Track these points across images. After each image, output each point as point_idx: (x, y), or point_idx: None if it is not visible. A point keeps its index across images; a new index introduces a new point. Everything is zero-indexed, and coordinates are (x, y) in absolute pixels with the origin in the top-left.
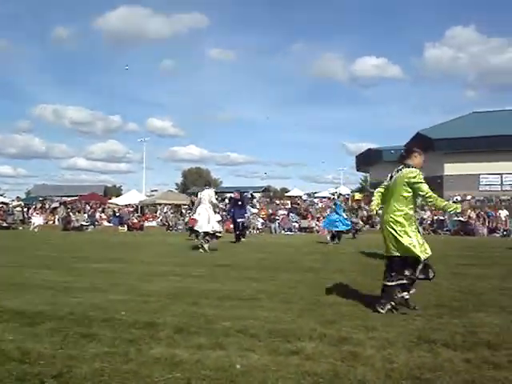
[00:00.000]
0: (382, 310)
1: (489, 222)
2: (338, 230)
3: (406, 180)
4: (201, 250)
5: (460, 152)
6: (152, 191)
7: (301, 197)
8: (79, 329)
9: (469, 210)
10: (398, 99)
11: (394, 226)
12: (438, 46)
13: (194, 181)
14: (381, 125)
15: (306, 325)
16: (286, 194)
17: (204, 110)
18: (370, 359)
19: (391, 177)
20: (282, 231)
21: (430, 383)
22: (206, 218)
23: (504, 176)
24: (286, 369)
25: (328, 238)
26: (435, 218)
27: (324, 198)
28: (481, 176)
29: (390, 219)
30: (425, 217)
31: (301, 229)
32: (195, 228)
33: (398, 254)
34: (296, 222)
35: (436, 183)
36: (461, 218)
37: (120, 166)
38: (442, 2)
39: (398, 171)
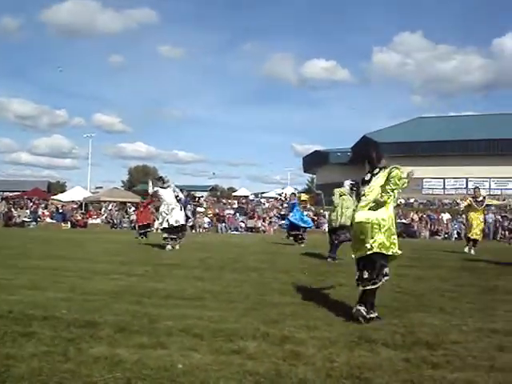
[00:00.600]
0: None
1: (431, 225)
2: (306, 226)
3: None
4: (169, 246)
5: (404, 156)
6: (97, 188)
7: (248, 197)
8: (18, 327)
9: (411, 214)
10: (345, 102)
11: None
12: (385, 50)
13: (140, 178)
14: (328, 127)
15: (249, 324)
16: (234, 194)
17: (153, 107)
18: (311, 358)
19: (365, 182)
20: (229, 231)
21: (369, 382)
22: (169, 214)
23: (446, 180)
24: (228, 368)
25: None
26: None
27: (271, 198)
28: (424, 180)
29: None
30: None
31: (247, 228)
32: (156, 226)
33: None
34: (242, 221)
35: None
36: (404, 221)
37: (65, 161)
38: (391, 8)
39: (374, 175)
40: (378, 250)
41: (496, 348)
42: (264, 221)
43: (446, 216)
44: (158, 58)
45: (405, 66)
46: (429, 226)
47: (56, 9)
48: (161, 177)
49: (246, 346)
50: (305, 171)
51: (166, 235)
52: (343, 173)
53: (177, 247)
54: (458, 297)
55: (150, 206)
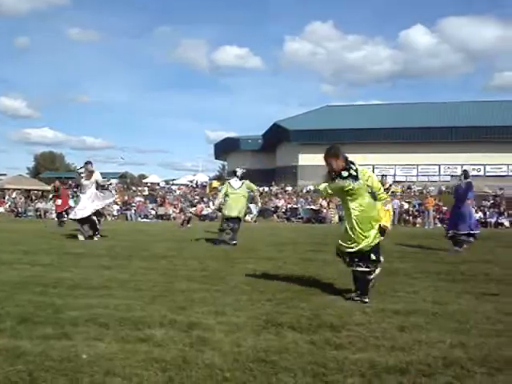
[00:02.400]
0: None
1: (340, 211)
2: None
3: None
4: (97, 237)
5: (314, 143)
6: (0, 175)
7: (158, 184)
8: None
9: (320, 200)
10: (257, 90)
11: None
12: (297, 40)
13: (47, 165)
14: (240, 114)
15: (156, 312)
16: (144, 181)
17: (61, 91)
18: (218, 343)
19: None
20: (139, 218)
21: (275, 365)
22: (88, 203)
23: None
24: (134, 356)
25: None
26: (289, 206)
27: (182, 185)
28: None
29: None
30: (279, 205)
31: (158, 216)
32: (71, 217)
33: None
34: (153, 209)
35: (291, 173)
36: (313, 207)
37: None
38: None
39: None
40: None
41: (397, 328)
42: (175, 208)
43: None
44: (67, 41)
45: (315, 55)
46: (338, 211)
47: None
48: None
49: (153, 333)
50: (216, 158)
51: (79, 226)
52: (254, 159)
53: (95, 238)
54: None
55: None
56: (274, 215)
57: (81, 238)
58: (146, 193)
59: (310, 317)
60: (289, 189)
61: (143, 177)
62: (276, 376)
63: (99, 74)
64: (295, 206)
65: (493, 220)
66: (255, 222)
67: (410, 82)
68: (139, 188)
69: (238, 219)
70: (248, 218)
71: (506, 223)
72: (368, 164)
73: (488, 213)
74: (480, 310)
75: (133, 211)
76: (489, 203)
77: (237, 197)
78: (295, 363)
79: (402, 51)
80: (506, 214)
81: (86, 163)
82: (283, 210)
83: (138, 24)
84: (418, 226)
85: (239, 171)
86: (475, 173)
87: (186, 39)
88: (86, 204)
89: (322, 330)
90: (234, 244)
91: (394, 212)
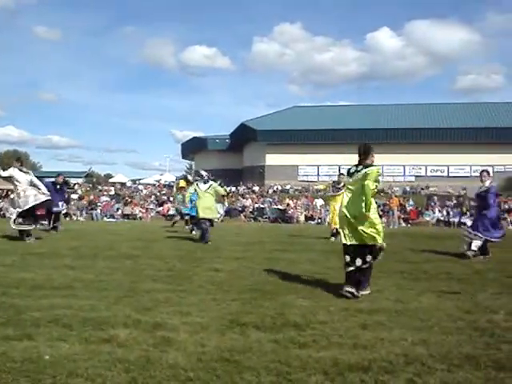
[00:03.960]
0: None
1: (306, 211)
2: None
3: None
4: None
5: (281, 143)
6: None
7: (125, 183)
8: None
9: (287, 200)
10: (225, 90)
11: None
12: (266, 40)
13: (11, 164)
14: (208, 114)
15: (121, 312)
16: (110, 180)
17: (27, 89)
18: (182, 344)
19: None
20: (104, 218)
21: (239, 364)
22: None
23: (320, 167)
24: (97, 357)
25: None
26: (256, 206)
27: (149, 184)
28: (299, 167)
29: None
30: (246, 205)
31: (124, 216)
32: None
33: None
34: (119, 208)
35: (258, 172)
36: (279, 207)
37: None
38: None
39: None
40: None
41: (360, 326)
42: (142, 208)
43: (319, 202)
44: (33, 39)
45: (284, 56)
46: (303, 211)
47: None
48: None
49: (117, 334)
50: (183, 157)
51: (20, 220)
52: (221, 159)
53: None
54: (326, 279)
55: None
56: (241, 215)
57: (30, 239)
58: (113, 192)
59: (274, 316)
60: (256, 189)
61: (109, 176)
62: (240, 375)
63: (66, 73)
64: (262, 206)
65: (456, 220)
66: (222, 221)
67: (376, 83)
68: (105, 187)
69: (209, 220)
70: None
71: (469, 223)
72: (334, 164)
73: (451, 213)
74: (441, 308)
75: (98, 211)
76: (452, 203)
77: (205, 198)
78: (259, 362)
79: (369, 53)
80: (468, 213)
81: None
82: (250, 210)
83: (105, 23)
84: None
85: (204, 174)
86: (439, 173)
87: (154, 38)
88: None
89: (286, 329)
90: (206, 243)
91: None
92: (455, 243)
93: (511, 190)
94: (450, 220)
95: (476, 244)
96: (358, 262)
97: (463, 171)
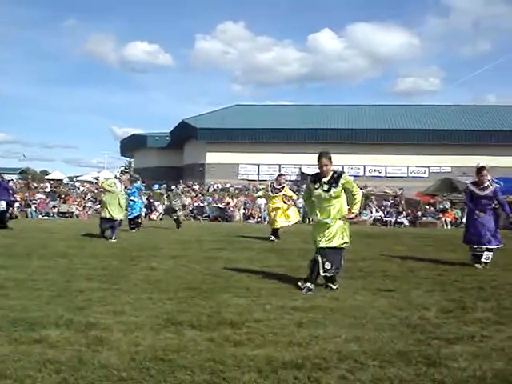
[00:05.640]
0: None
1: (245, 209)
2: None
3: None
4: None
5: (222, 142)
6: None
7: (62, 180)
8: None
9: (227, 198)
10: (167, 87)
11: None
12: (208, 39)
13: None
14: (149, 111)
15: (53, 312)
16: (46, 177)
17: None
18: (115, 343)
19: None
20: (40, 216)
21: (172, 363)
22: None
23: (261, 166)
24: (27, 358)
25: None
26: (195, 204)
27: (86, 182)
28: (240, 165)
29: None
30: (186, 203)
31: (60, 213)
32: None
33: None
34: (55, 206)
35: (198, 171)
36: (219, 205)
37: None
38: None
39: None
40: None
41: (296, 324)
42: (79, 205)
43: (262, 201)
44: None
45: (226, 55)
46: (243, 210)
47: None
48: None
49: (48, 334)
50: (122, 155)
51: None
52: (161, 157)
53: None
54: (264, 277)
55: None
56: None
57: None
58: (48, 189)
59: (210, 314)
60: (196, 187)
61: (46, 173)
62: (173, 374)
63: (4, 66)
64: (202, 204)
65: (392, 219)
66: (161, 220)
67: (318, 84)
68: (41, 184)
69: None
70: (153, 216)
71: (405, 222)
72: (275, 163)
73: (388, 212)
74: (376, 306)
75: (34, 208)
76: (389, 203)
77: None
78: (193, 361)
79: (310, 54)
80: (404, 213)
81: None
82: (190, 208)
83: (46, 16)
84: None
85: (118, 175)
86: (377, 174)
87: (96, 33)
88: None
89: (222, 328)
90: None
91: (299, 211)
92: (391, 242)
93: (447, 190)
94: (387, 219)
95: (488, 256)
96: (328, 265)
97: (400, 172)
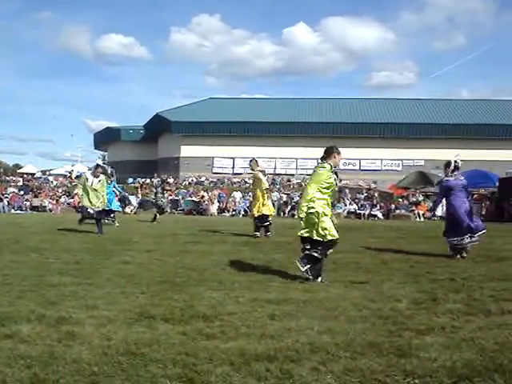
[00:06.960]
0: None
1: (220, 203)
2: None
3: None
4: None
5: (196, 135)
6: None
7: (34, 174)
8: None
9: (202, 192)
10: (142, 80)
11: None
12: (183, 31)
13: None
14: (123, 104)
15: (24, 307)
16: (19, 171)
17: None
18: (87, 338)
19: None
20: (12, 210)
21: (145, 357)
22: None
23: (236, 159)
24: None
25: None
26: (170, 198)
27: (59, 175)
28: (215, 159)
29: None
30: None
31: (33, 208)
32: None
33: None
34: (27, 200)
35: (173, 164)
36: (194, 199)
37: None
38: None
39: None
40: None
41: (268, 317)
42: (52, 199)
43: (238, 195)
44: None
45: (201, 48)
46: (217, 203)
47: None
48: None
49: (20, 329)
50: (96, 148)
51: None
52: (135, 151)
53: None
54: (238, 270)
55: None
56: (155, 207)
57: None
58: (21, 183)
59: (183, 308)
60: (170, 180)
61: (18, 166)
62: (145, 368)
63: None
64: (176, 198)
65: (366, 212)
66: (135, 213)
67: (293, 77)
68: (13, 178)
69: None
70: (128, 209)
71: (379, 215)
72: (248, 157)
73: (362, 205)
74: (348, 298)
75: (5, 203)
76: (363, 196)
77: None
78: (166, 354)
79: (285, 48)
80: (378, 206)
81: None
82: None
83: (19, 7)
84: (296, 217)
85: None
86: (351, 167)
87: (69, 25)
88: None
89: (195, 321)
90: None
91: (273, 204)
92: (365, 234)
93: (420, 183)
94: (361, 212)
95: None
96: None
97: (374, 165)
